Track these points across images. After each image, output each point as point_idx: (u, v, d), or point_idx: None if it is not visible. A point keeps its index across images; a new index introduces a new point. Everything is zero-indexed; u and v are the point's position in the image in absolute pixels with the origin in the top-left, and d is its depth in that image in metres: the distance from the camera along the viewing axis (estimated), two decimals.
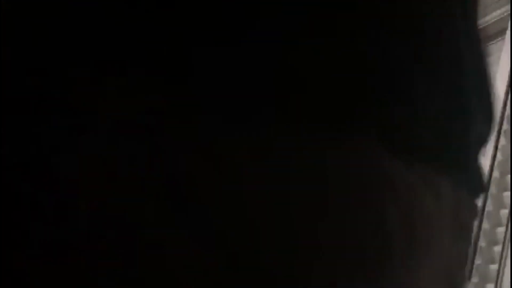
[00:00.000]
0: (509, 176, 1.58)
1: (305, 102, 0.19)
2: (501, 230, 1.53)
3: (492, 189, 1.60)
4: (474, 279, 1.52)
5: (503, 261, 1.49)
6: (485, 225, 1.57)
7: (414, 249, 0.21)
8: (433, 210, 0.23)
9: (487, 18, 1.92)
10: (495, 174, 1.61)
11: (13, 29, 0.18)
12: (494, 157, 1.62)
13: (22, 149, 0.17)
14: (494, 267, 1.49)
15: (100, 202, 0.17)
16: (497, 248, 1.51)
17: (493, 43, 1.91)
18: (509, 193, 1.55)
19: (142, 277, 0.16)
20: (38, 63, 0.18)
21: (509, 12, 1.79)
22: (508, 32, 1.75)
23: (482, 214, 1.58)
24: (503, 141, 1.63)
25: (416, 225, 0.21)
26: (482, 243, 1.55)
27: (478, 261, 1.54)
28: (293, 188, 0.19)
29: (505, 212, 1.54)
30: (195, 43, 0.18)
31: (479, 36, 0.29)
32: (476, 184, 0.29)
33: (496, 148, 1.63)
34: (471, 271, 1.54)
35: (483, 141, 0.28)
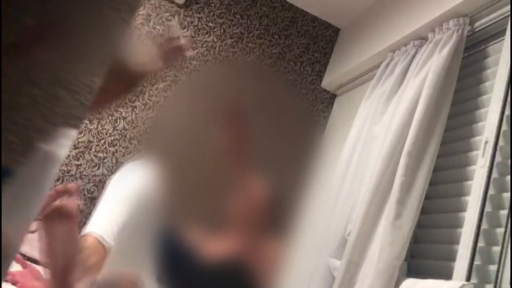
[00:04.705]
0: (509, 176, 1.57)
1: None
2: (500, 231, 1.53)
3: (491, 190, 1.60)
4: (474, 280, 1.52)
5: (502, 261, 1.48)
6: (484, 225, 1.57)
7: None
8: None
9: (487, 18, 1.92)
10: (494, 174, 1.61)
11: None
12: (493, 157, 1.62)
13: None
14: (493, 267, 1.49)
15: None
16: (496, 249, 1.51)
17: (493, 43, 1.91)
18: (508, 194, 1.54)
19: None
20: None
21: (509, 12, 1.79)
22: (508, 32, 1.75)
23: (482, 215, 1.58)
24: (502, 141, 1.63)
25: None
26: (481, 243, 1.55)
27: (477, 261, 1.54)
28: None
29: (504, 213, 1.54)
30: None
31: None
32: None
33: (495, 148, 1.63)
34: (470, 272, 1.54)
35: None
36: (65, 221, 1.00)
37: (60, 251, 1.03)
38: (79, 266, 1.08)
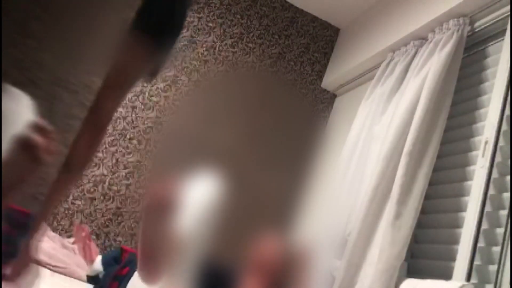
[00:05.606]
0: (509, 176, 1.57)
1: None
2: (500, 231, 1.53)
3: (491, 190, 1.60)
4: (474, 280, 1.52)
5: (502, 261, 1.48)
6: (485, 225, 1.57)
7: None
8: None
9: (487, 18, 1.92)
10: (494, 174, 1.61)
11: None
12: (493, 157, 1.62)
13: None
14: (493, 267, 1.49)
15: None
16: (496, 249, 1.51)
17: (493, 43, 1.91)
18: (508, 194, 1.54)
19: None
20: None
21: (509, 12, 1.79)
22: (508, 32, 1.75)
23: (482, 215, 1.58)
24: (502, 141, 1.63)
25: None
26: (481, 243, 1.55)
27: (477, 261, 1.54)
28: None
29: (504, 213, 1.54)
30: None
31: None
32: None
33: (495, 148, 1.63)
34: (470, 272, 1.54)
35: None
36: (163, 213, 1.03)
37: (152, 240, 1.06)
38: (167, 258, 1.10)
